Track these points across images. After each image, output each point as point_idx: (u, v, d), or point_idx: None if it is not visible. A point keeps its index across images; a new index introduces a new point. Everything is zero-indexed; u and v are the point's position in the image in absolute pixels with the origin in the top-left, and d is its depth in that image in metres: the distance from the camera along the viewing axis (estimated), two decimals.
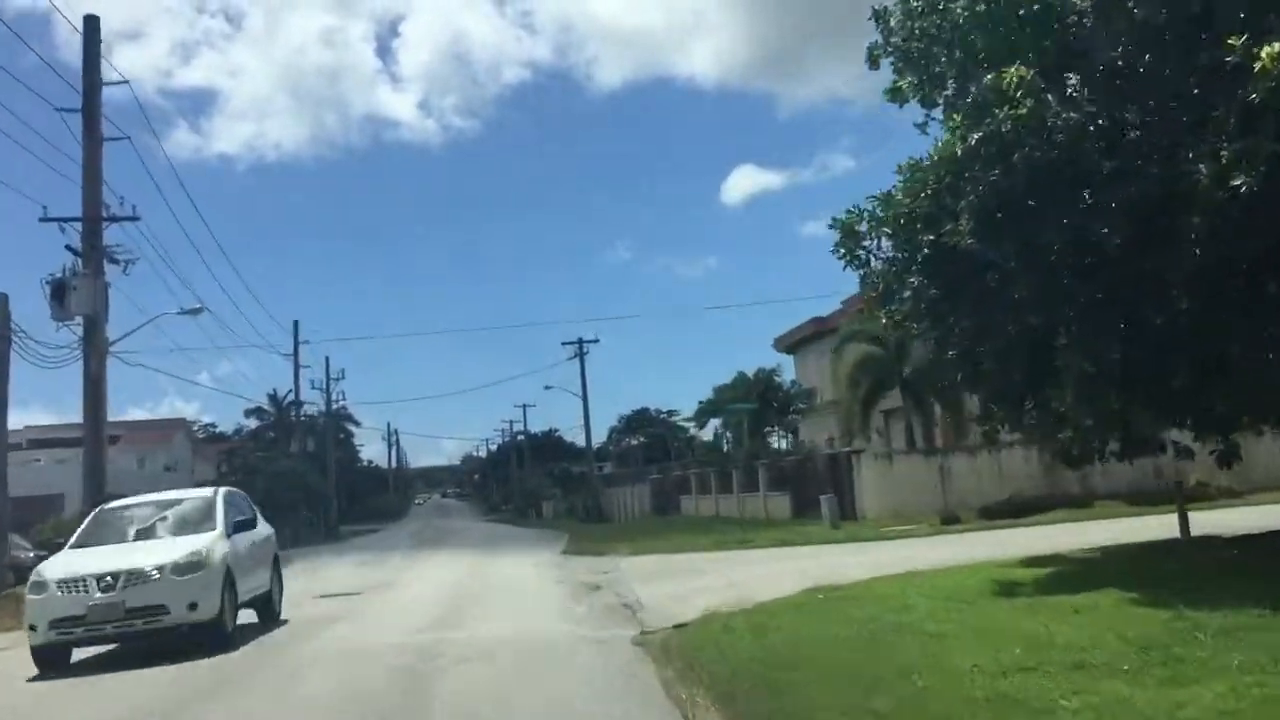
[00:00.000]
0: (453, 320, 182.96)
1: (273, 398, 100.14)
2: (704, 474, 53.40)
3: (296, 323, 71.51)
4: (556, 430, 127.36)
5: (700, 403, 50.35)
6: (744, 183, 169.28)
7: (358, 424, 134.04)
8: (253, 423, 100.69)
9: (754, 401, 30.78)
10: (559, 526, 64.92)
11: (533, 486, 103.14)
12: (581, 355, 71.35)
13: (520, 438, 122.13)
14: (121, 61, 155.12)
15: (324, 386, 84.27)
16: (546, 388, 76.80)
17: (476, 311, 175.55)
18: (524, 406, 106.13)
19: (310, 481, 64.51)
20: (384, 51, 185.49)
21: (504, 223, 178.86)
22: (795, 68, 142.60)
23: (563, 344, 71.58)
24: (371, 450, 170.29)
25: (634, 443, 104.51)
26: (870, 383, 33.29)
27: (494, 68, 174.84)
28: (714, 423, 49.88)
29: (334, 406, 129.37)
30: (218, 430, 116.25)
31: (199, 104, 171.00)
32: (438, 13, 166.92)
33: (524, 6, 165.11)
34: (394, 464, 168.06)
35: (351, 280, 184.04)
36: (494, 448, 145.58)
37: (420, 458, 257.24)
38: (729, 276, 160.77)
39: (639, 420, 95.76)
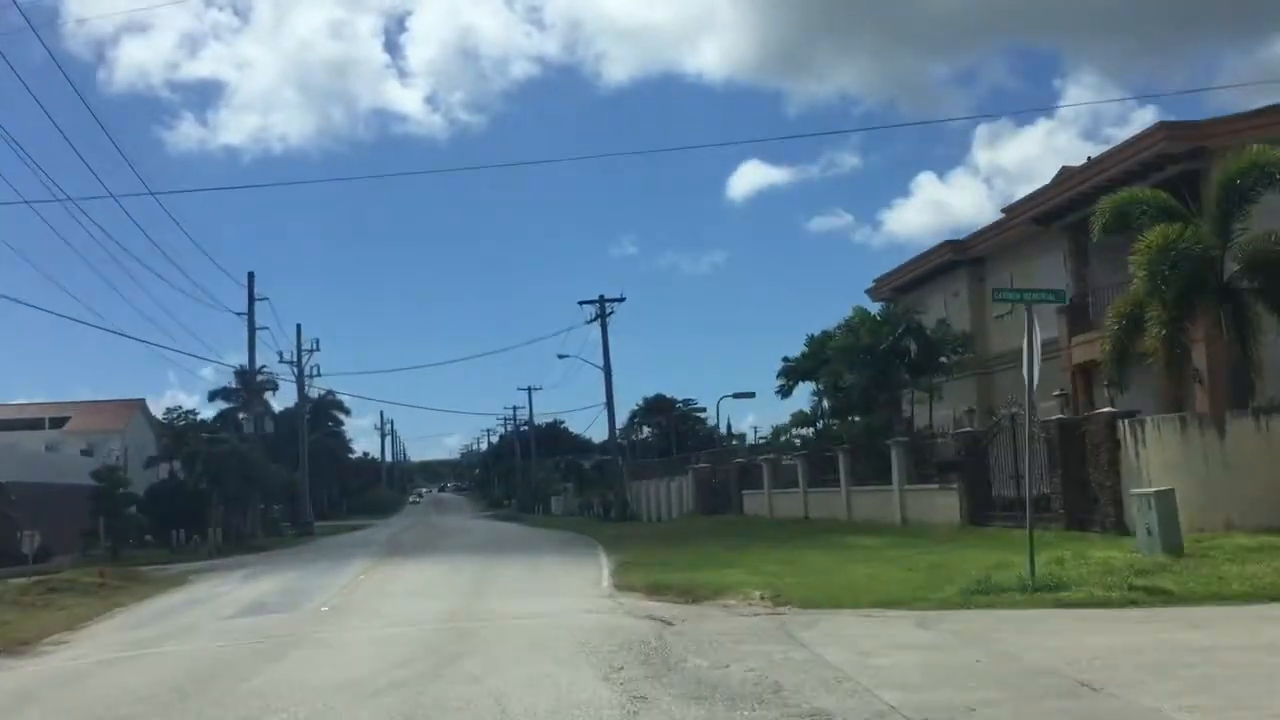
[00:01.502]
0: (455, 316, 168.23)
1: (241, 373, 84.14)
2: (779, 460, 37.58)
3: (251, 274, 55.89)
4: (562, 421, 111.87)
5: (786, 360, 34.30)
6: (750, 179, 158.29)
7: (346, 411, 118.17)
8: (223, 404, 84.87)
9: (1051, 291, 15.83)
10: (577, 527, 49.16)
11: (539, 480, 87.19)
12: (604, 316, 55.65)
13: (524, 427, 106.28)
14: (128, 54, 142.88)
15: (295, 359, 67.78)
16: (561, 356, 59.36)
17: (480, 307, 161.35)
18: (529, 389, 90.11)
19: (265, 469, 48.62)
20: (392, 46, 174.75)
21: (509, 217, 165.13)
22: (804, 65, 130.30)
23: (580, 303, 55.97)
24: (371, 444, 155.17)
25: (649, 432, 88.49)
26: (1183, 285, 17.37)
27: (502, 63, 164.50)
28: (806, 387, 33.75)
29: (321, 392, 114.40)
30: (198, 417, 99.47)
31: (205, 96, 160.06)
32: (446, 7, 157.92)
33: (533, 2, 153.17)
34: (389, 456, 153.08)
35: (354, 275, 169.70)
36: (495, 439, 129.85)
37: (422, 451, 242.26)
38: (735, 273, 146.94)
39: (659, 406, 79.68)
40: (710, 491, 44.54)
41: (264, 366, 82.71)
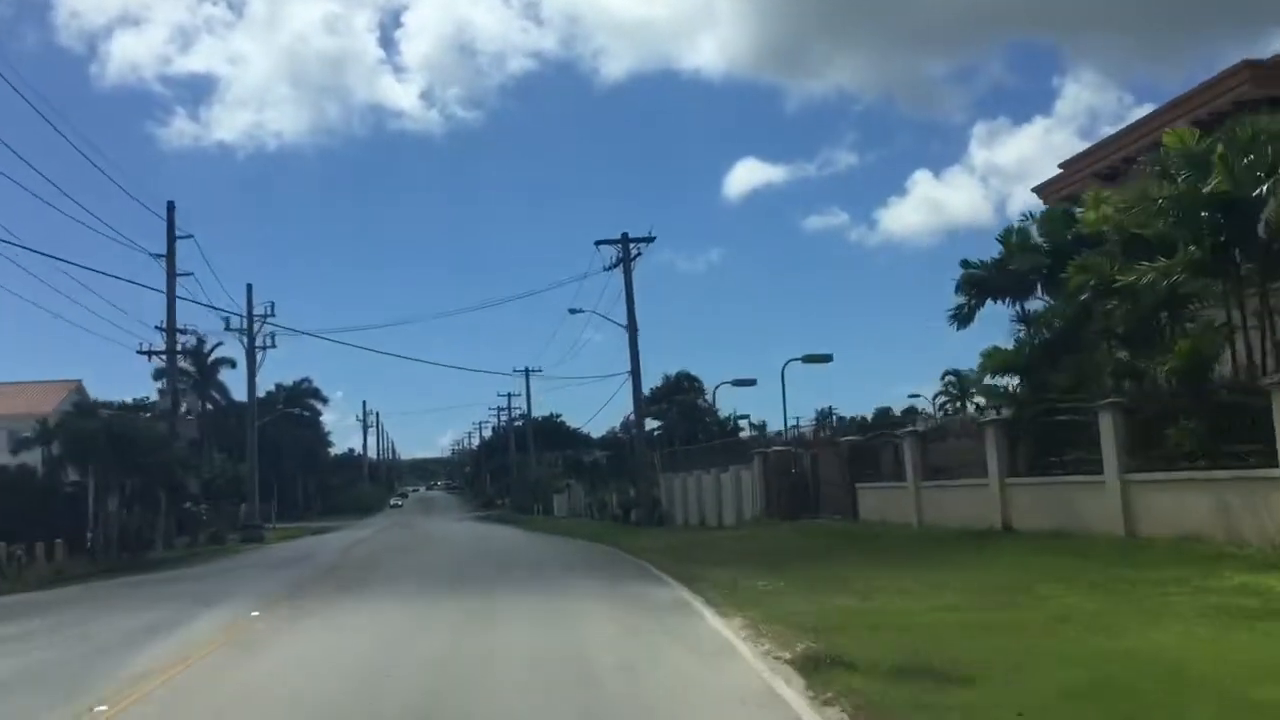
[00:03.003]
0: (447, 311, 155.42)
1: (195, 351, 69.02)
2: (926, 435, 23.26)
3: (171, 204, 40.85)
4: (559, 416, 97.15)
5: (967, 266, 19.45)
6: (747, 176, 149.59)
7: (324, 399, 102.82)
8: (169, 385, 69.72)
9: None
10: (596, 534, 34.88)
11: (538, 476, 72.48)
12: (628, 260, 41.20)
13: (518, 422, 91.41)
14: (121, 48, 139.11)
15: (244, 324, 52.95)
16: (572, 311, 44.08)
17: (470, 304, 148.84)
18: (526, 371, 75.35)
19: (173, 455, 33.86)
20: (387, 41, 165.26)
21: (506, 213, 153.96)
22: (802, 61, 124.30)
23: (598, 244, 41.50)
24: (360, 441, 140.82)
25: (657, 425, 73.62)
26: None
27: (499, 58, 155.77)
28: (993, 320, 18.95)
29: (297, 379, 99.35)
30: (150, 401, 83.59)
31: (198, 92, 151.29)
32: (442, 2, 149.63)
33: None
34: (371, 451, 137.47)
35: (347, 273, 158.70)
36: (489, 432, 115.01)
37: (415, 449, 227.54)
38: (730, 270, 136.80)
39: (681, 386, 64.88)
40: (790, 487, 30.07)
41: (217, 345, 67.82)
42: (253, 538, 49.18)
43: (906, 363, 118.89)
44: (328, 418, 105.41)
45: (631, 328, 40.95)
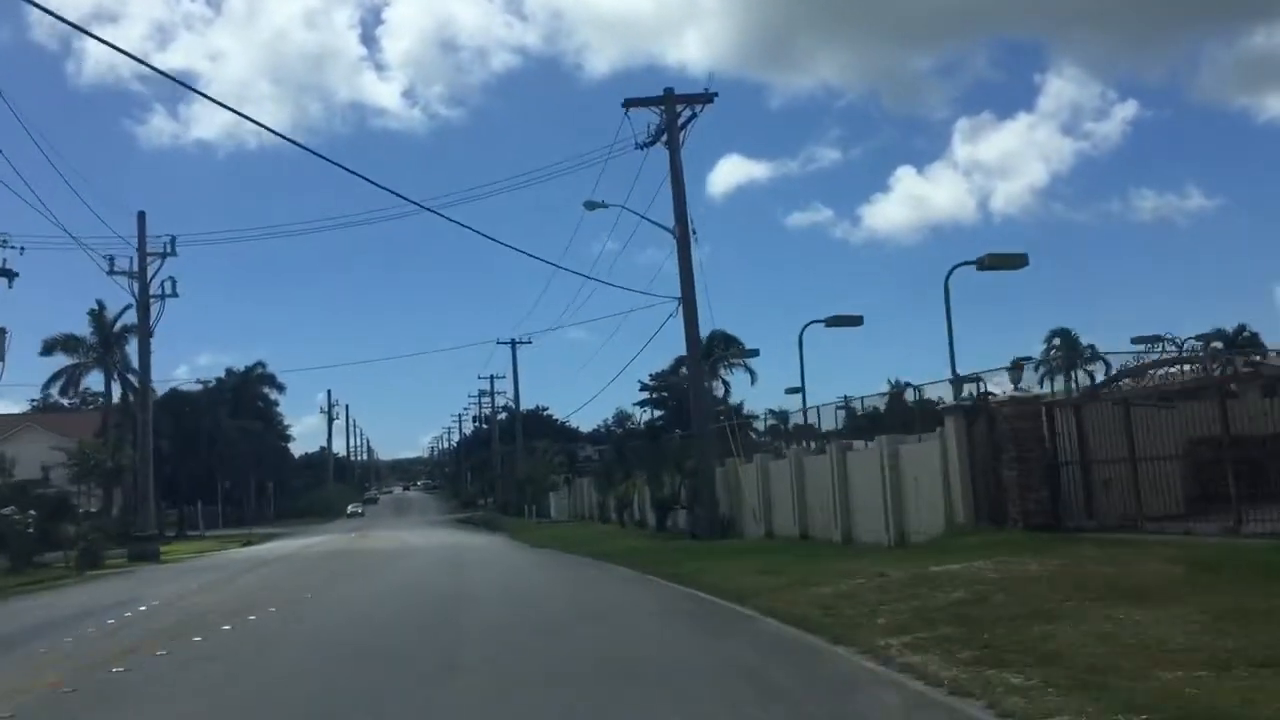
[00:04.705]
0: (428, 317, 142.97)
1: (96, 315, 51.90)
2: None
3: None
4: (545, 408, 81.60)
5: None
6: (730, 173, 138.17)
7: (280, 388, 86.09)
8: (66, 360, 53.14)
9: None
10: (643, 557, 19.24)
11: (530, 469, 56.24)
12: (674, 128, 25.54)
13: (502, 414, 75.44)
14: (97, 45, 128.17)
15: (135, 268, 36.76)
16: (589, 206, 28.48)
17: (454, 306, 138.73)
18: (512, 342, 59.49)
19: None
20: (368, 37, 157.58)
21: (488, 212, 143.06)
22: (786, 57, 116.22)
23: (626, 106, 25.95)
24: (338, 442, 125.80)
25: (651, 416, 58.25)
26: None
27: (481, 54, 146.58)
28: None
29: (249, 364, 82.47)
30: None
31: (178, 89, 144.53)
32: None
33: None
34: (340, 446, 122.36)
35: (327, 273, 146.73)
36: (470, 427, 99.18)
37: (397, 449, 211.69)
38: (716, 268, 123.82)
39: (712, 353, 49.07)
40: (1042, 472, 14.32)
41: (126, 308, 51.87)
42: (143, 555, 33.78)
43: (907, 361, 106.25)
44: (309, 420, 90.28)
45: (682, 229, 25.28)
